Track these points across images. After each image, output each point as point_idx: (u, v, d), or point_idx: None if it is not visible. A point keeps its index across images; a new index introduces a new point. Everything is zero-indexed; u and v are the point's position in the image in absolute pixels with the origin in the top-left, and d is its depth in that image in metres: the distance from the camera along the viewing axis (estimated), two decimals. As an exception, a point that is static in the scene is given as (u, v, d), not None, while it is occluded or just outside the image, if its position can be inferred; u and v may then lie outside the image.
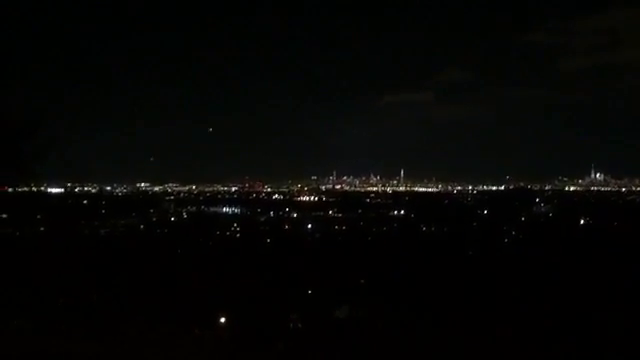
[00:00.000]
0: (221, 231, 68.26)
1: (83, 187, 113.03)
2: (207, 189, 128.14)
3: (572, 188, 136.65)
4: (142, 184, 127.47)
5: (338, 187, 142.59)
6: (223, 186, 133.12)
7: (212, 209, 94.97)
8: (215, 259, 44.13)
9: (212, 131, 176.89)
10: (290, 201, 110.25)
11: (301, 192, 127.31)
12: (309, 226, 74.74)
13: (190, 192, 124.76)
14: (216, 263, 41.22)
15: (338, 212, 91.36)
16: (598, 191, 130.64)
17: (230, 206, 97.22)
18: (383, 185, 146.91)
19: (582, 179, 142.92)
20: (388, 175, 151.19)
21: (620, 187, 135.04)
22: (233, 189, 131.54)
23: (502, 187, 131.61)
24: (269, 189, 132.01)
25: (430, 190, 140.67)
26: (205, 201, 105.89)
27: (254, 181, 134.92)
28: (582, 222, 76.80)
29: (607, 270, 36.98)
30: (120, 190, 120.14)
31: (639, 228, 64.37)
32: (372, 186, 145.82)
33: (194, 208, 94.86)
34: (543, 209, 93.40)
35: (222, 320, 28.02)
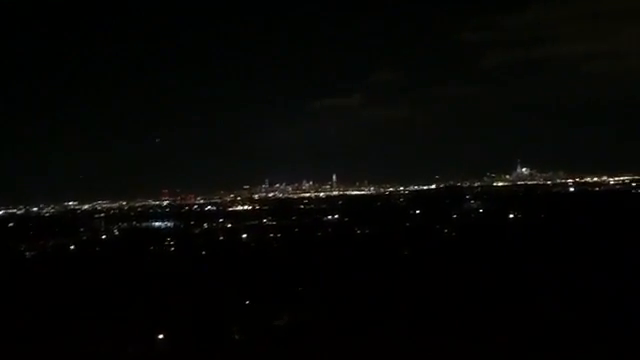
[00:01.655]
0: (155, 246, 67.11)
1: (8, 209, 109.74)
2: (138, 204, 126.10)
3: (500, 183, 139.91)
4: (70, 203, 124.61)
5: (271, 195, 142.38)
6: (155, 200, 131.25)
7: (144, 224, 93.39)
8: (150, 275, 43.38)
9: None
10: (223, 212, 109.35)
11: (234, 202, 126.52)
12: (244, 236, 74.22)
13: (121, 208, 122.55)
14: (151, 278, 40.54)
15: (272, 220, 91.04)
16: (525, 185, 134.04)
17: (163, 220, 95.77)
18: (316, 190, 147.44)
19: (509, 174, 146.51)
20: (321, 180, 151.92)
21: (546, 180, 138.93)
22: (165, 203, 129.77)
23: (433, 186, 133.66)
24: (202, 201, 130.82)
25: (363, 193, 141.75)
26: (137, 216, 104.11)
27: (186, 194, 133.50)
28: (511, 216, 78.55)
29: (534, 262, 37.96)
30: (47, 210, 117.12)
31: (564, 219, 66.37)
32: (305, 192, 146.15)
33: (125, 224, 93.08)
34: (473, 205, 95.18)
35: (160, 336, 27.52)
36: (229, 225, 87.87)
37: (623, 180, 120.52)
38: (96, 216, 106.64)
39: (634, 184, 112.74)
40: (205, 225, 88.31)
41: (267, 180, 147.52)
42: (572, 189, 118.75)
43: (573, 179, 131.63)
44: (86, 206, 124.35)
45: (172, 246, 68.24)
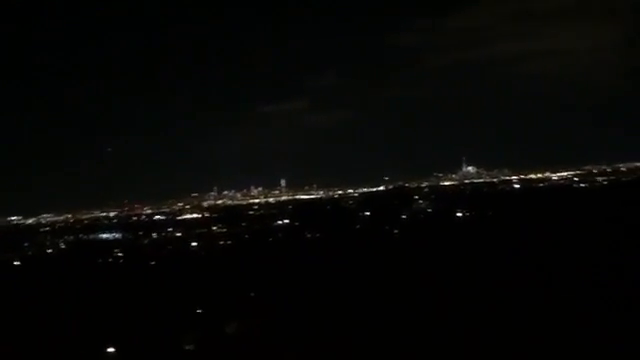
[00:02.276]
0: (103, 258, 66.18)
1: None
2: (84, 217, 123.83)
3: (447, 183, 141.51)
4: (13, 218, 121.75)
5: (220, 202, 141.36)
6: (102, 212, 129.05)
7: (91, 236, 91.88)
8: (98, 287, 42.73)
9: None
10: (172, 221, 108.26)
11: (183, 210, 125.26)
12: (194, 244, 73.66)
13: (66, 221, 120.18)
14: (99, 291, 39.90)
15: (222, 227, 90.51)
16: (472, 183, 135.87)
17: (110, 232, 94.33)
18: (265, 196, 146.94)
19: (455, 173, 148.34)
20: (270, 186, 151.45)
21: (491, 178, 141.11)
22: (112, 214, 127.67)
23: (381, 188, 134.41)
24: (149, 210, 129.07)
25: (312, 197, 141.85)
26: (83, 229, 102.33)
27: (133, 204, 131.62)
28: (459, 215, 79.56)
29: (483, 259, 38.57)
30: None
31: (511, 215, 67.55)
32: (254, 198, 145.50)
33: (72, 237, 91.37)
34: (422, 205, 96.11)
35: (110, 350, 27.11)
36: (178, 234, 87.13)
37: (565, 175, 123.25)
38: (41, 230, 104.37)
39: (576, 179, 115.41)
40: (154, 235, 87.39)
41: (216, 187, 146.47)
42: (517, 186, 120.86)
43: (518, 176, 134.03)
44: (30, 220, 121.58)
45: (121, 257, 67.42)
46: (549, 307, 25.14)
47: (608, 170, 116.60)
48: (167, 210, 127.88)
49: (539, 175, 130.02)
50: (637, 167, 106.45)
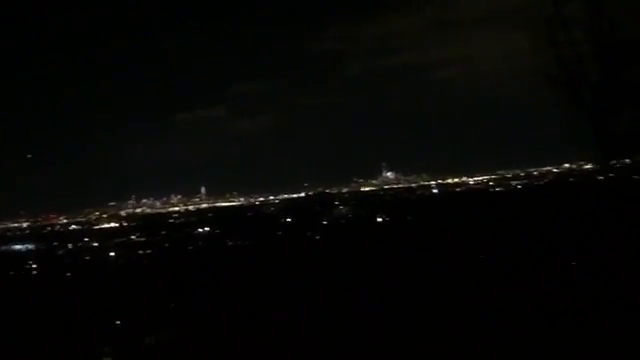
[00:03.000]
0: (15, 270, 63.94)
1: None
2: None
3: (367, 188, 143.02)
4: None
5: (139, 211, 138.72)
6: (14, 222, 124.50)
7: (3, 248, 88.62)
8: (12, 300, 41.25)
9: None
10: (89, 230, 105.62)
11: (100, 220, 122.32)
12: (112, 254, 72.06)
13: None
14: (10, 304, 38.48)
15: (141, 236, 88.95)
16: (391, 189, 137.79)
17: (23, 243, 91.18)
18: (185, 204, 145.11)
19: (375, 179, 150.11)
20: (190, 193, 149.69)
21: (410, 183, 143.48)
22: (25, 224, 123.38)
23: (302, 194, 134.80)
24: (65, 220, 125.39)
25: (233, 204, 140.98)
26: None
27: (47, 214, 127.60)
28: (379, 220, 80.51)
29: (403, 263, 39.13)
30: None
31: (429, 219, 68.86)
32: (174, 206, 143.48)
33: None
34: (343, 211, 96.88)
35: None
36: (95, 244, 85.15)
37: (482, 180, 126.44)
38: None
39: (491, 183, 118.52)
40: (70, 245, 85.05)
41: (134, 196, 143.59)
42: (435, 191, 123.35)
43: (436, 181, 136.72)
44: None
45: (34, 269, 65.37)
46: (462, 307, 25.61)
47: (521, 174, 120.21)
48: (83, 220, 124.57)
49: (456, 180, 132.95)
50: (548, 171, 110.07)
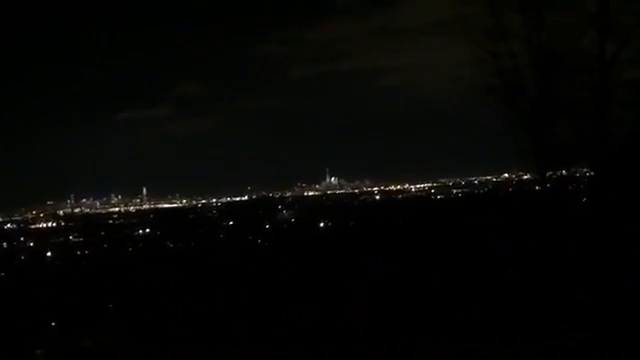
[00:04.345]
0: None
1: None
2: None
3: (311, 193, 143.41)
4: None
5: (78, 210, 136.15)
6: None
7: None
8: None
9: None
10: (25, 230, 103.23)
11: (37, 219, 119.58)
12: (48, 254, 70.64)
13: None
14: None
15: (79, 236, 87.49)
16: (334, 194, 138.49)
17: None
18: (126, 205, 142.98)
19: (319, 184, 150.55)
20: (130, 194, 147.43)
21: (353, 189, 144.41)
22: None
23: (245, 197, 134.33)
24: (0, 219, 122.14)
25: (175, 206, 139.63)
26: None
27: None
28: (322, 224, 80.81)
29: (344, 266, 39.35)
30: None
31: (371, 224, 69.38)
32: (114, 206, 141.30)
33: None
34: (286, 215, 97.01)
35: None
36: (31, 244, 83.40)
37: (423, 187, 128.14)
38: None
39: (433, 190, 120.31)
40: (4, 245, 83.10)
41: (73, 195, 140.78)
42: (378, 197, 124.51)
43: (378, 187, 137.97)
44: None
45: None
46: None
47: (462, 183, 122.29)
48: (19, 218, 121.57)
49: (398, 187, 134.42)
50: (488, 180, 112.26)
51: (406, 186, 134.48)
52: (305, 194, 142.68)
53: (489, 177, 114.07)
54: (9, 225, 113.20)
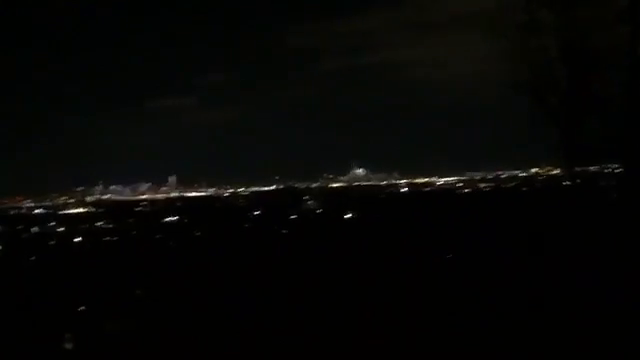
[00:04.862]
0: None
1: None
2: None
3: (337, 184, 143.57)
4: None
5: (106, 197, 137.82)
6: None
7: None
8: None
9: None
10: (55, 215, 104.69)
11: (67, 205, 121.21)
12: (77, 239, 71.63)
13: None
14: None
15: (108, 223, 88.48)
16: (360, 186, 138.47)
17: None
18: (154, 192, 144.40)
19: (345, 175, 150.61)
20: (159, 182, 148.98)
21: (380, 181, 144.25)
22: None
23: (272, 187, 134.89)
24: (31, 203, 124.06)
25: (202, 194, 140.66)
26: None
27: (13, 196, 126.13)
28: (348, 216, 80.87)
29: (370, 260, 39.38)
30: None
31: (397, 217, 69.33)
32: (143, 194, 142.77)
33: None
34: (312, 206, 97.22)
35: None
36: (61, 229, 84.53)
37: (450, 181, 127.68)
38: None
39: (459, 184, 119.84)
40: (35, 229, 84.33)
41: (102, 182, 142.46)
42: (405, 189, 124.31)
43: (405, 180, 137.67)
44: None
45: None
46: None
47: (489, 177, 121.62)
48: (50, 204, 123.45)
49: (425, 179, 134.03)
50: (516, 175, 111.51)
51: (433, 179, 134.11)
52: (331, 185, 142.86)
53: (517, 172, 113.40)
54: (40, 210, 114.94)
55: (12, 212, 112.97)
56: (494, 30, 14.87)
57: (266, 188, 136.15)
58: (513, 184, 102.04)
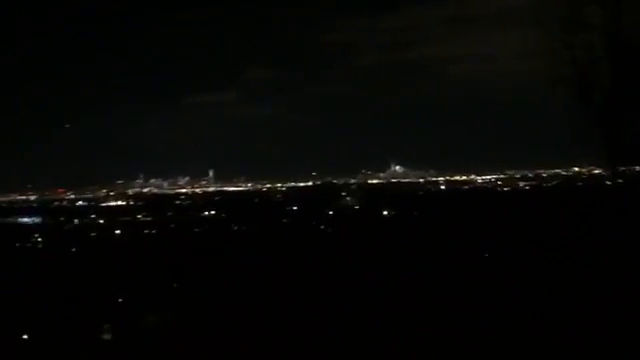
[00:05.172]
0: (21, 242, 64.41)
1: None
2: (3, 199, 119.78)
3: (374, 181, 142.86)
4: None
5: (146, 190, 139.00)
6: (21, 195, 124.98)
7: (10, 220, 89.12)
8: (14, 273, 41.52)
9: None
10: (96, 207, 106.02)
11: (107, 197, 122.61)
12: (117, 232, 72.45)
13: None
14: (15, 277, 38.77)
15: (147, 216, 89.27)
16: (398, 183, 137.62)
17: (30, 216, 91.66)
18: (192, 186, 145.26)
19: (383, 172, 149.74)
20: (197, 176, 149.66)
21: (418, 178, 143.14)
22: (32, 198, 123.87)
23: (310, 183, 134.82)
24: (72, 196, 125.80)
25: (240, 189, 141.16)
26: (1, 212, 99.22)
27: (55, 188, 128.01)
28: (385, 213, 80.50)
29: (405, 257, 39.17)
30: None
31: (435, 215, 68.81)
32: (182, 188, 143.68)
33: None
34: (349, 202, 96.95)
35: (24, 337, 26.39)
36: (102, 221, 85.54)
37: (489, 179, 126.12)
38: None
39: (499, 182, 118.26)
40: (76, 221, 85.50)
41: (142, 175, 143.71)
42: (443, 187, 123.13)
43: (444, 177, 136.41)
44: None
45: (40, 242, 65.80)
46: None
47: (530, 176, 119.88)
48: (90, 196, 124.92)
49: (464, 177, 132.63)
50: (557, 174, 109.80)
51: (472, 177, 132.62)
52: (369, 181, 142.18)
53: (558, 170, 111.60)
54: (81, 202, 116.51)
55: (55, 204, 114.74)
56: (539, 25, 14.57)
57: (303, 184, 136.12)
58: (554, 183, 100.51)
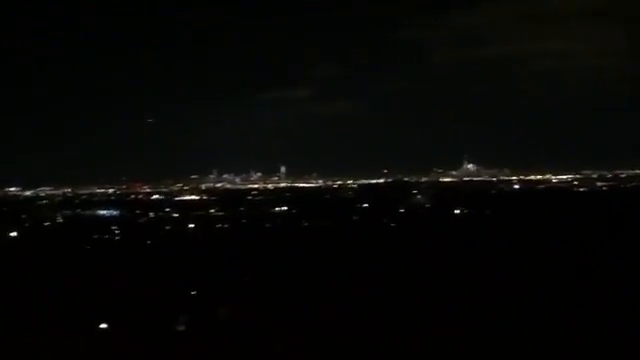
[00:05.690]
0: (99, 234, 66.29)
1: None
2: (83, 192, 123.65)
3: (447, 179, 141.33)
4: (12, 189, 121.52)
5: (219, 185, 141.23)
6: (100, 188, 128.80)
7: (88, 212, 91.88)
8: (93, 263, 42.82)
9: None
10: (170, 201, 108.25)
11: (181, 191, 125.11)
12: (191, 226, 73.74)
13: (65, 195, 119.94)
14: (94, 268, 39.98)
15: (220, 210, 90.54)
16: (471, 181, 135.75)
17: (108, 208, 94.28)
18: (264, 182, 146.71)
19: (455, 170, 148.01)
20: (269, 172, 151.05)
21: (491, 177, 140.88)
22: (110, 191, 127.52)
23: (381, 180, 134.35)
24: (148, 189, 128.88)
25: (312, 185, 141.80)
26: (81, 204, 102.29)
27: (132, 182, 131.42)
28: (457, 211, 79.56)
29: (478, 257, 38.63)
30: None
31: (509, 215, 67.66)
32: (254, 183, 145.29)
33: (69, 212, 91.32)
34: (420, 200, 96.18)
35: (102, 326, 27.16)
36: (176, 215, 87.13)
37: (565, 179, 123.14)
38: (39, 202, 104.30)
39: (575, 182, 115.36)
40: (151, 214, 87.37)
41: (215, 170, 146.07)
42: (517, 186, 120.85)
43: (518, 176, 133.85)
44: (28, 192, 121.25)
45: (117, 235, 67.52)
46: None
47: (608, 176, 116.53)
48: (166, 190, 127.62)
49: (539, 177, 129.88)
50: (637, 175, 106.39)
51: (547, 176, 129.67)
52: (441, 180, 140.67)
53: (638, 171, 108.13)
54: (156, 196, 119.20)
55: (131, 197, 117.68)
56: (618, 23, 14.15)
57: (374, 181, 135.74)
58: (633, 184, 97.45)
